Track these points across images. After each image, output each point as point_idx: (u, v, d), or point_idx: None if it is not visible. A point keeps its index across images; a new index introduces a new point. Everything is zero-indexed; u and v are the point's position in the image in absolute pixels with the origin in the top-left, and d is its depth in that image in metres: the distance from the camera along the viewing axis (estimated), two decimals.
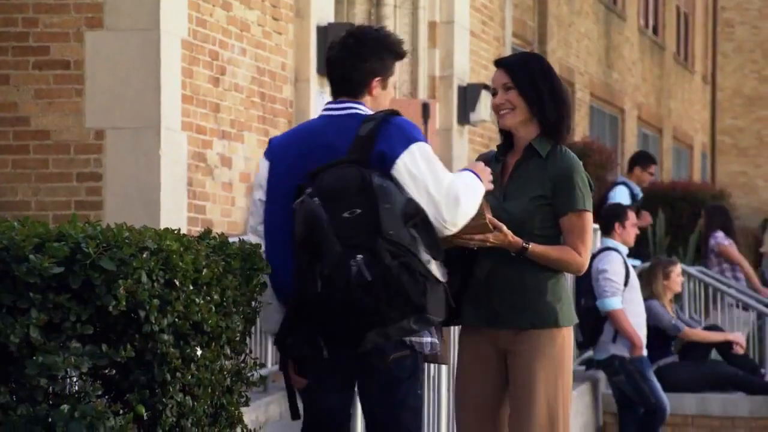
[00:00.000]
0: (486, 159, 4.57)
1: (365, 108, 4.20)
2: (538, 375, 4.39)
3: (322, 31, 9.89)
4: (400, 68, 5.12)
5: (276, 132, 9.59)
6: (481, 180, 4.22)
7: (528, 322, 4.45)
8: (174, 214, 7.82)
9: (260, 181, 4.28)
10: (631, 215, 9.66)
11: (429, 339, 4.20)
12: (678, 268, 10.10)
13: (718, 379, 10.23)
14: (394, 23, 11.91)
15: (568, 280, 8.75)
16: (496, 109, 4.56)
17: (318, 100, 9.98)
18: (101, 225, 3.91)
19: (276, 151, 4.26)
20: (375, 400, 4.20)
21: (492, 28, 13.90)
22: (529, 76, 4.49)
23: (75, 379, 3.76)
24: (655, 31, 23.42)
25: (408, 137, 4.08)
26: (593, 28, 19.51)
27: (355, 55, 4.17)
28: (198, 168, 8.32)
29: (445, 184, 4.04)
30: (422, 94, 12.14)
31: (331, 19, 10.11)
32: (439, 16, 12.20)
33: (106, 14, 7.88)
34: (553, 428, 4.37)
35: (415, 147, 4.08)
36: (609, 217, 9.61)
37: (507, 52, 14.62)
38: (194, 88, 8.37)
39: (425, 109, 11.74)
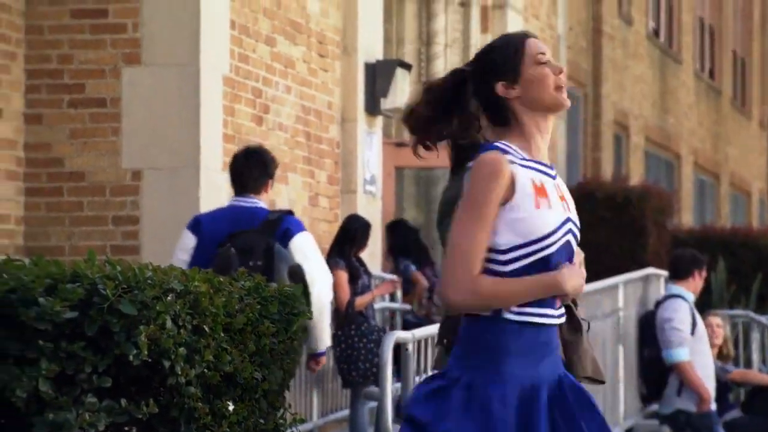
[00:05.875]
0: None
1: (263, 203, 6.06)
2: None
3: (371, 69, 9.57)
4: None
5: (322, 173, 9.22)
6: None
7: None
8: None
9: (185, 247, 5.97)
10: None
11: None
12: (714, 319, 9.60)
13: None
14: (445, 62, 11.57)
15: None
16: None
17: (366, 140, 9.64)
18: (121, 264, 3.51)
19: (204, 227, 6.01)
20: None
21: None
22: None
23: None
24: (711, 75, 23.00)
25: (302, 226, 6.05)
26: (648, 72, 19.13)
27: (256, 164, 6.09)
28: None
29: (324, 268, 6.03)
30: None
31: (380, 56, 9.79)
32: None
33: (144, 49, 7.56)
34: None
35: (307, 233, 6.03)
36: (688, 264, 9.09)
37: None
38: (236, 126, 8.02)
39: None
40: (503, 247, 3.15)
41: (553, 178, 3.28)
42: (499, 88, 3.23)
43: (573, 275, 3.21)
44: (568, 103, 3.29)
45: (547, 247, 3.19)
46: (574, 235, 3.28)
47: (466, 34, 11.75)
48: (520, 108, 3.24)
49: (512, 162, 3.20)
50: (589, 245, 12.17)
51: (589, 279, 9.07)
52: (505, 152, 3.22)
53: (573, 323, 4.01)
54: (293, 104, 8.76)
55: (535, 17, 13.32)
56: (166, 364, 3.44)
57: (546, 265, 3.19)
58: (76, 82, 7.65)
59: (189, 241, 5.96)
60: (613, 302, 9.13)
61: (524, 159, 3.23)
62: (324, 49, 9.19)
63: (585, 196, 13.92)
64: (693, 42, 21.55)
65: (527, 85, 3.24)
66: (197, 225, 6.03)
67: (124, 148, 7.59)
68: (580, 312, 3.84)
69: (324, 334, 6.10)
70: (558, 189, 3.27)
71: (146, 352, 3.38)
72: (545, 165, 3.27)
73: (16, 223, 7.58)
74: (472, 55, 11.22)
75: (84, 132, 7.64)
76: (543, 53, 3.30)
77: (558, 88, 3.26)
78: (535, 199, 3.18)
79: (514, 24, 12.18)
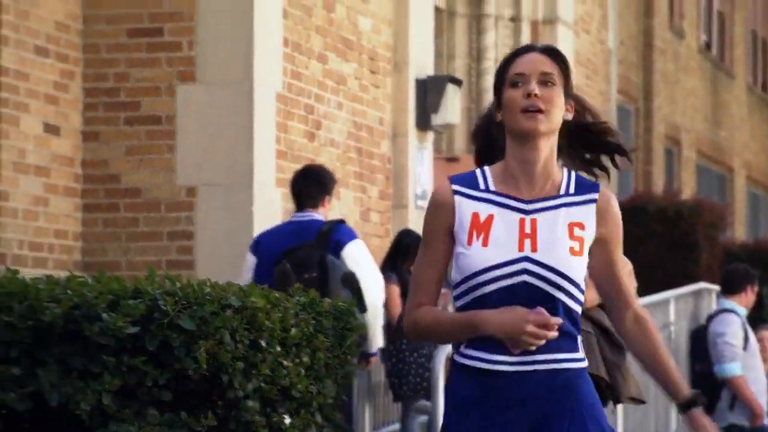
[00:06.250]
0: None
1: (320, 216, 6.44)
2: None
3: (422, 85, 9.63)
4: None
5: (374, 188, 9.30)
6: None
7: None
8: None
9: (247, 268, 6.37)
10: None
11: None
12: (766, 333, 9.54)
13: None
14: None
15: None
16: None
17: (417, 155, 9.70)
18: (180, 280, 3.59)
19: (262, 246, 6.41)
20: None
21: (596, 83, 13.54)
22: None
23: None
24: (764, 88, 22.85)
25: (353, 234, 6.39)
26: (700, 86, 19.05)
27: (314, 183, 6.53)
28: None
29: (376, 273, 6.42)
30: None
31: (431, 72, 9.85)
32: None
33: (198, 67, 7.67)
34: None
35: (358, 240, 6.37)
36: (741, 279, 9.07)
37: (612, 107, 14.24)
38: (289, 143, 8.12)
39: None
40: (454, 281, 3.03)
41: (527, 213, 2.99)
42: (494, 110, 3.06)
43: (502, 319, 2.94)
44: (532, 126, 2.96)
45: (480, 285, 2.97)
46: (542, 278, 2.97)
47: None
48: (507, 132, 3.03)
49: (459, 193, 3.01)
50: (640, 260, 12.16)
51: (640, 293, 9.06)
52: (466, 181, 3.02)
53: (614, 343, 4.01)
54: (345, 120, 8.84)
55: (586, 32, 13.34)
56: (225, 378, 3.52)
57: (481, 304, 2.97)
58: (132, 100, 7.77)
59: (250, 261, 6.39)
60: (664, 317, 9.13)
61: (486, 190, 3.02)
62: (375, 65, 9.27)
63: (636, 210, 13.89)
64: (745, 55, 21.44)
65: (503, 109, 3.02)
66: (257, 245, 6.44)
67: (178, 164, 7.70)
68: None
69: (377, 336, 6.50)
70: (529, 225, 2.98)
71: (205, 366, 3.46)
72: (513, 199, 3.00)
73: (73, 239, 7.71)
74: None
75: (140, 149, 7.76)
76: (520, 74, 3.00)
77: (524, 111, 2.97)
78: (468, 235, 2.97)
79: (564, 39, 12.20)
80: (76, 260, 7.67)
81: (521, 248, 2.97)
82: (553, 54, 3.06)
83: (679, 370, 3.11)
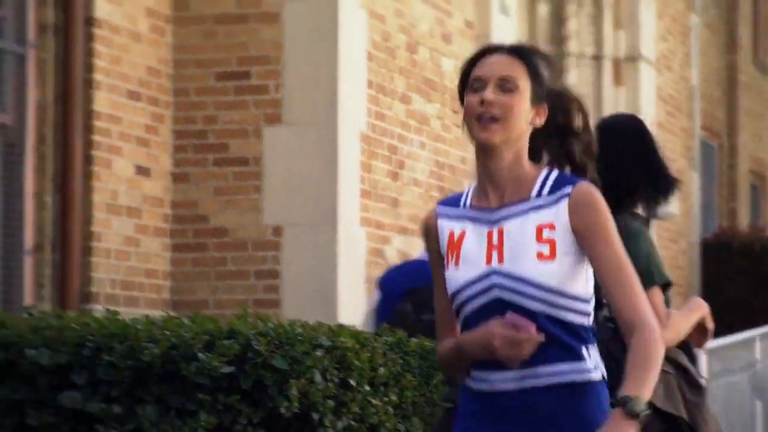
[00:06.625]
0: None
1: None
2: None
3: None
4: None
5: None
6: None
7: None
8: (352, 312, 7.63)
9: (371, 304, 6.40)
10: None
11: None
12: None
13: None
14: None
15: None
16: None
17: None
18: (273, 321, 3.70)
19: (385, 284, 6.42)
20: None
21: (679, 120, 13.50)
22: None
23: None
24: None
25: None
26: None
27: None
28: (377, 264, 8.13)
29: None
30: None
31: None
32: (624, 106, 11.89)
33: (285, 109, 7.83)
34: None
35: None
36: None
37: (695, 144, 14.19)
38: (372, 182, 8.23)
39: None
40: None
41: (494, 223, 2.78)
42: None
43: (474, 338, 2.75)
44: (487, 137, 2.77)
45: (460, 307, 2.80)
46: (514, 290, 2.74)
47: (598, 88, 11.82)
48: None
49: (442, 215, 2.86)
50: (724, 297, 12.08)
51: (725, 332, 9.04)
52: (451, 202, 2.88)
53: (693, 383, 4.02)
54: (427, 160, 8.93)
55: (668, 69, 13.33)
56: (315, 416, 3.60)
57: (466, 327, 2.80)
58: (221, 142, 7.94)
59: (374, 297, 6.74)
60: (750, 355, 9.07)
61: (464, 206, 2.84)
62: (457, 105, 9.33)
63: (721, 246, 13.79)
64: None
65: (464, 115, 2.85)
66: (381, 283, 6.77)
67: (265, 204, 7.84)
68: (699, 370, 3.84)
69: None
70: (497, 236, 2.77)
71: (297, 405, 3.55)
72: (483, 210, 2.80)
73: (163, 278, 7.87)
74: (604, 110, 11.37)
75: (227, 190, 7.92)
76: (478, 78, 2.81)
77: (478, 119, 2.80)
78: (446, 257, 2.83)
79: (647, 76, 12.21)
80: (165, 299, 7.83)
81: (488, 261, 2.76)
82: (520, 54, 2.80)
83: (646, 374, 2.64)
